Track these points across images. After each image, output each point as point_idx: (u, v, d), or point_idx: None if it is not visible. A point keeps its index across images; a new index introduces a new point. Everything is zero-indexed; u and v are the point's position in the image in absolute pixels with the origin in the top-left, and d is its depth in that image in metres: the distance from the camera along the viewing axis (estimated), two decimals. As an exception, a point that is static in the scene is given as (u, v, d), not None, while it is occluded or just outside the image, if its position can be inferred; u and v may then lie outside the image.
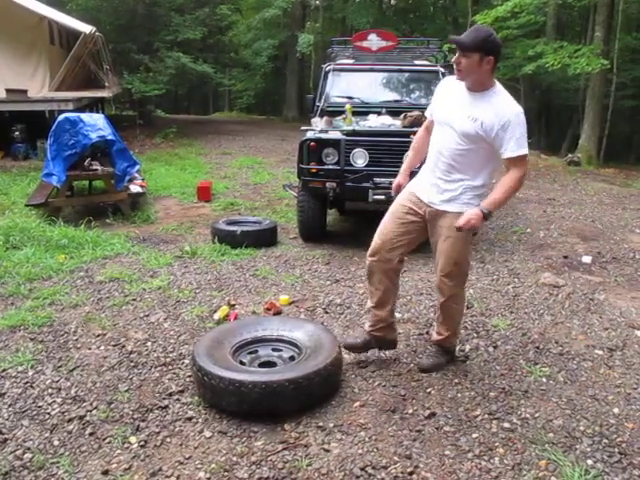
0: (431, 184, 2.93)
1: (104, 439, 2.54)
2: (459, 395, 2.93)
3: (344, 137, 5.19)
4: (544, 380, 3.10)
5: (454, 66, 2.77)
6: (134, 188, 6.84)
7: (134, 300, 4.11)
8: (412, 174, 3.18)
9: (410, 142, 3.32)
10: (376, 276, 3.09)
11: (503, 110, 2.69)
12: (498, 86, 2.79)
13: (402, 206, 3.03)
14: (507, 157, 2.72)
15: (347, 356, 3.27)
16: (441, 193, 2.89)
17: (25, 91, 10.58)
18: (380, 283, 3.08)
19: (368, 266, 3.12)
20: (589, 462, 2.43)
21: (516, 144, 2.68)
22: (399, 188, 3.16)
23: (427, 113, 3.13)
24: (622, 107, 17.02)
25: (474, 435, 2.59)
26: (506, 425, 2.67)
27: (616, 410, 2.82)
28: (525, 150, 2.71)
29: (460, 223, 2.70)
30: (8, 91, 10.40)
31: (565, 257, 5.42)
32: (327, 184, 5.18)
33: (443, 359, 3.22)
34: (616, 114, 14.71)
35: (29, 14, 11.34)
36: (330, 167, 5.18)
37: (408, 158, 3.25)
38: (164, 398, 2.85)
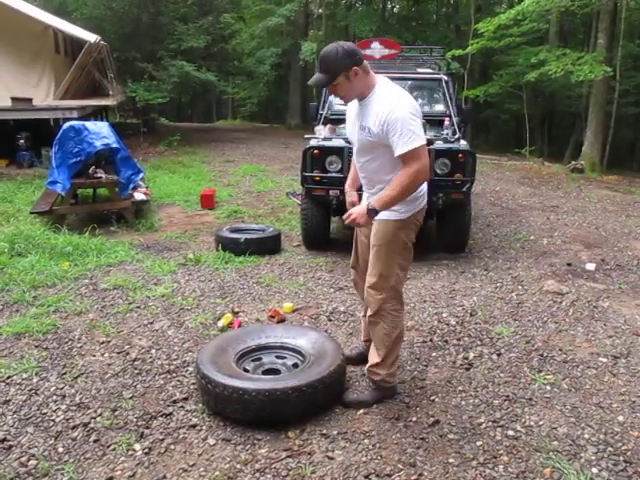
0: (364, 198, 2.97)
1: (108, 446, 2.54)
2: (463, 403, 2.93)
3: (347, 145, 5.20)
4: (548, 388, 3.09)
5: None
6: (138, 196, 6.86)
7: (138, 307, 4.12)
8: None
9: None
10: (360, 285, 3.10)
11: (379, 111, 2.57)
12: (377, 86, 2.66)
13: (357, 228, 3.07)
14: (397, 155, 2.57)
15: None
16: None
17: (30, 99, 10.64)
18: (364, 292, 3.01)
19: (352, 276, 3.25)
20: (594, 470, 2.42)
21: (401, 140, 2.53)
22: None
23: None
24: (625, 114, 17.04)
25: (478, 443, 2.59)
26: (510, 433, 2.67)
27: (621, 418, 2.81)
28: (412, 145, 2.52)
29: (344, 217, 2.71)
30: (13, 99, 10.47)
31: (569, 264, 5.41)
32: (330, 192, 5.19)
33: (369, 397, 2.89)
34: (619, 121, 14.72)
35: (34, 23, 11.42)
36: (333, 175, 5.19)
37: (351, 177, 3.15)
38: (168, 405, 2.86)
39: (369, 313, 2.89)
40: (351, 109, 2.86)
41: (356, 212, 2.67)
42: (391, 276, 2.78)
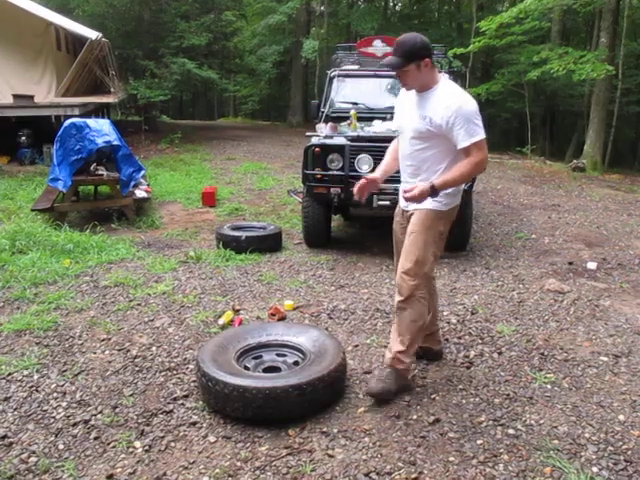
0: (403, 191, 2.96)
1: (109, 443, 2.54)
2: (464, 401, 2.92)
3: (349, 143, 5.21)
4: (549, 387, 3.09)
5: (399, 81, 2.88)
6: (139, 193, 6.87)
7: (139, 305, 4.12)
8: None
9: None
10: None
11: (447, 102, 2.73)
12: (443, 80, 2.85)
13: (395, 221, 3.17)
14: (460, 147, 2.75)
15: (351, 362, 3.27)
16: None
17: (32, 96, 10.64)
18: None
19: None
20: (594, 469, 2.41)
21: (466, 133, 2.71)
22: (365, 186, 3.09)
23: (393, 127, 3.19)
24: (627, 113, 17.04)
25: (479, 441, 2.59)
26: (511, 431, 2.67)
27: (622, 417, 2.80)
28: (476, 138, 2.72)
29: (407, 191, 2.75)
30: (15, 96, 10.48)
31: (570, 263, 5.41)
32: (332, 190, 5.19)
33: (394, 386, 2.89)
34: (621, 120, 14.72)
35: (36, 20, 11.43)
36: (335, 173, 5.19)
37: (385, 163, 3.20)
38: (169, 403, 2.86)
39: (399, 299, 2.95)
40: (404, 99, 2.99)
41: (420, 188, 2.72)
42: (426, 263, 2.89)
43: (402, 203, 3.04)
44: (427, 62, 2.75)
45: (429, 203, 2.83)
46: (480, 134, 2.73)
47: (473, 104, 2.77)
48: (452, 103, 2.72)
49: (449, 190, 2.84)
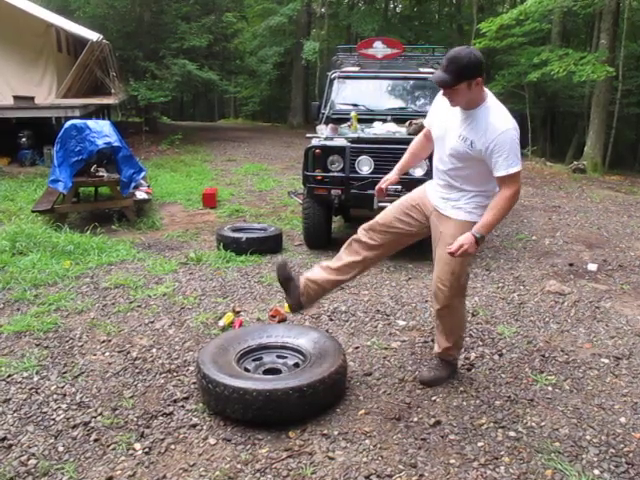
0: (436, 191, 2.96)
1: (109, 445, 2.54)
2: (464, 403, 2.92)
3: (349, 144, 5.20)
4: (550, 389, 3.08)
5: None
6: (140, 194, 6.87)
7: (139, 306, 4.11)
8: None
9: None
10: (353, 246, 3.05)
11: (492, 128, 2.62)
12: (490, 99, 2.72)
13: (412, 199, 3.03)
14: (498, 175, 2.66)
15: (352, 364, 3.26)
16: (444, 202, 2.90)
17: (32, 98, 10.65)
18: (357, 254, 3.03)
19: (353, 236, 3.08)
20: (596, 472, 2.41)
21: (505, 162, 2.61)
22: (384, 188, 3.14)
23: (425, 123, 3.11)
24: (627, 114, 17.01)
25: (479, 444, 2.58)
26: (512, 434, 2.66)
27: (623, 419, 2.80)
28: (515, 168, 2.62)
29: (453, 249, 2.65)
30: (16, 98, 10.48)
31: (571, 265, 5.40)
32: (332, 191, 5.19)
33: (444, 373, 3.12)
34: (621, 121, 14.71)
35: (37, 22, 11.43)
36: (335, 174, 5.19)
37: (403, 159, 3.21)
38: (169, 405, 2.85)
39: (437, 307, 3.01)
40: (446, 107, 2.80)
41: (466, 243, 2.64)
42: (462, 275, 2.94)
43: (435, 202, 2.93)
44: (479, 81, 2.60)
45: (464, 216, 2.81)
46: (517, 165, 2.63)
47: (515, 131, 2.64)
48: (496, 129, 2.61)
49: (484, 202, 2.79)
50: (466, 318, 3.21)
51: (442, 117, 2.86)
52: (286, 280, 3.14)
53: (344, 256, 3.07)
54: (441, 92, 2.78)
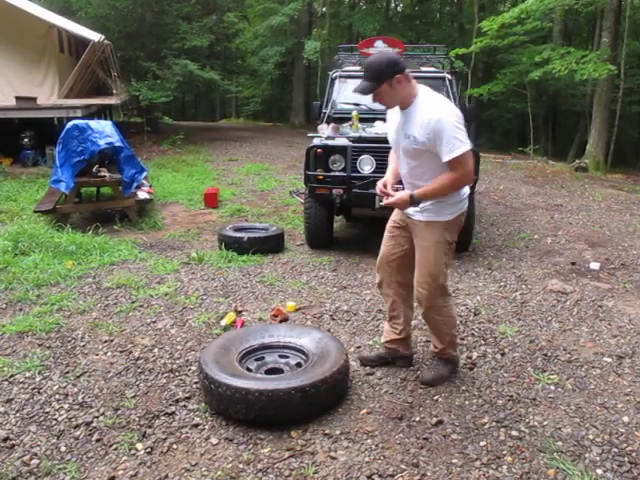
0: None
1: (111, 445, 2.54)
2: (466, 403, 2.91)
3: (351, 144, 5.20)
4: (552, 388, 3.08)
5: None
6: (141, 194, 6.87)
7: (141, 306, 4.12)
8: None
9: None
10: (383, 288, 3.23)
11: (426, 119, 2.67)
12: (421, 94, 2.77)
13: (392, 221, 3.16)
14: (444, 161, 2.72)
15: (354, 363, 3.26)
16: (414, 208, 2.92)
17: (34, 98, 10.66)
18: (388, 295, 3.20)
19: (377, 278, 3.27)
20: (599, 471, 2.40)
21: (446, 147, 2.66)
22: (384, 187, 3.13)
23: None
24: (629, 113, 17.01)
25: (482, 443, 2.57)
26: (514, 433, 2.65)
27: (626, 418, 2.79)
28: (457, 152, 2.65)
29: (384, 200, 2.84)
30: (18, 98, 10.49)
31: (573, 264, 5.39)
32: (334, 191, 5.19)
33: (445, 370, 3.14)
34: (623, 120, 14.67)
35: (39, 22, 11.44)
36: (337, 174, 5.19)
37: (391, 166, 3.21)
38: (171, 404, 2.85)
39: (421, 310, 3.07)
40: (393, 116, 2.95)
41: (399, 196, 2.83)
42: (439, 274, 2.94)
43: (406, 212, 2.99)
44: (399, 78, 2.68)
45: (433, 216, 2.86)
46: (459, 148, 2.65)
47: (452, 116, 2.68)
48: (430, 118, 2.66)
49: (449, 200, 2.85)
50: (455, 317, 3.20)
51: (392, 125, 2.96)
52: (374, 362, 3.30)
53: (386, 306, 3.28)
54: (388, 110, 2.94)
